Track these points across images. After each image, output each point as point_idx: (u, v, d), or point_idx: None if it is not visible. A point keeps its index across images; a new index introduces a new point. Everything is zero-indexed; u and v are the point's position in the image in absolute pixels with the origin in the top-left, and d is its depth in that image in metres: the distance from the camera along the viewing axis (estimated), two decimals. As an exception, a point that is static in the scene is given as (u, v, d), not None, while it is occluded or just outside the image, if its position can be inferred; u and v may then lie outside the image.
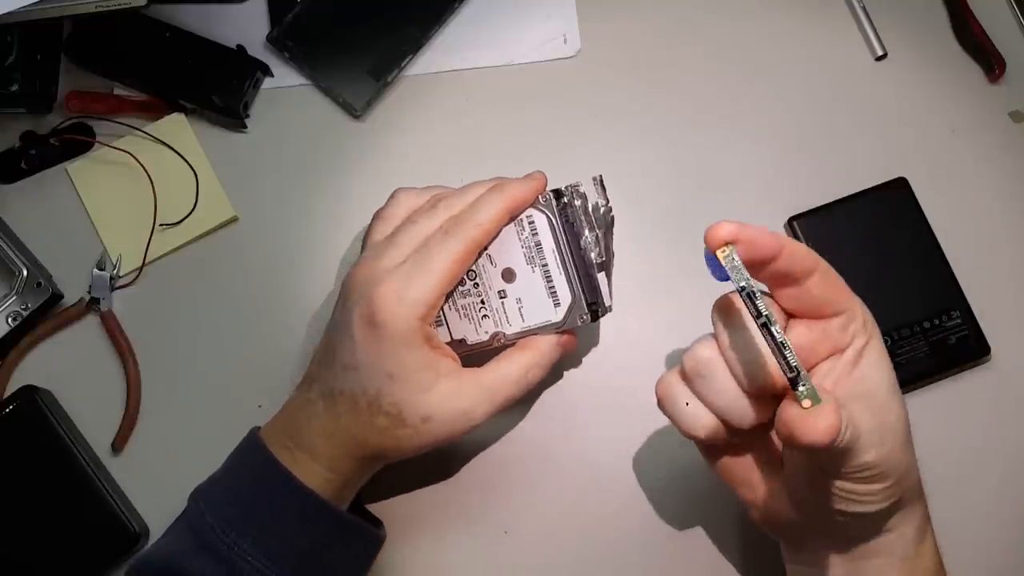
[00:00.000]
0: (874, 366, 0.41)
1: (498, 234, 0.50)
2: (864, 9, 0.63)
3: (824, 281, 0.41)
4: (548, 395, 0.58)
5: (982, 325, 0.57)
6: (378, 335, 0.46)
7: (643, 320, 0.59)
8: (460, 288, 0.51)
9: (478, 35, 0.63)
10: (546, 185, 0.50)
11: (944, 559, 0.57)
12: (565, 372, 0.58)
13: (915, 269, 0.58)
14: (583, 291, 0.50)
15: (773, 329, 0.37)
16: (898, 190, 0.59)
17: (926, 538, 0.46)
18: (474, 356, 0.51)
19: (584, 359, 0.59)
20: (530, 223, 0.50)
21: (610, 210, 0.50)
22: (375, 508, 0.55)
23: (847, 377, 0.41)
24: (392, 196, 0.53)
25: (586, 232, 0.50)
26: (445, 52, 0.63)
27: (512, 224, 0.50)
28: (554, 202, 0.50)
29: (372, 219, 0.53)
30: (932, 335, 0.57)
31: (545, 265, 0.50)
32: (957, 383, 0.58)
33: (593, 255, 0.50)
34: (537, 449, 0.58)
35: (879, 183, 0.59)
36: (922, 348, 0.57)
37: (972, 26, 0.62)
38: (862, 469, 0.40)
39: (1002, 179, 0.61)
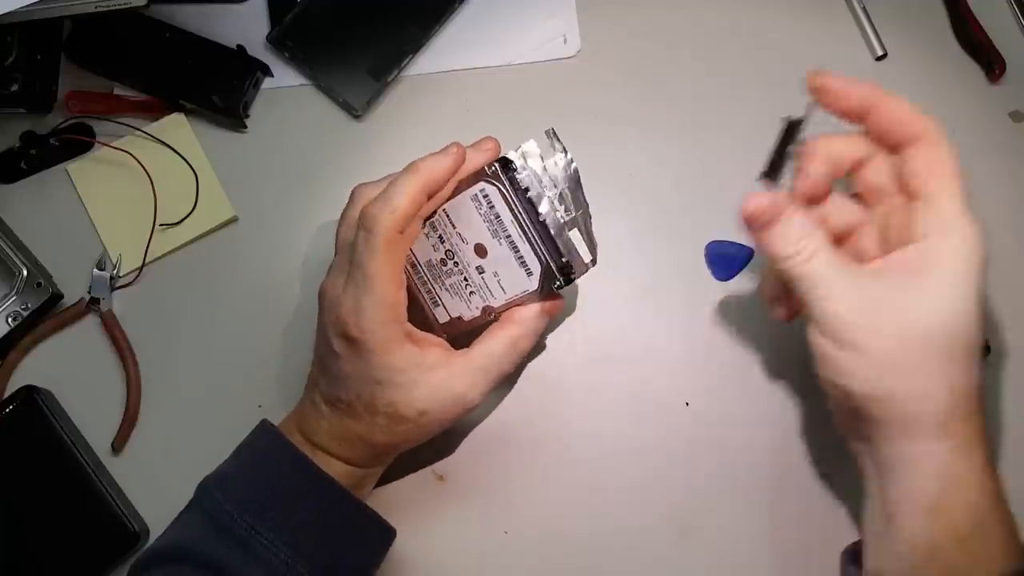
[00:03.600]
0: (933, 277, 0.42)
1: (462, 211, 0.49)
2: (864, 9, 0.63)
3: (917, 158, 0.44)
4: (548, 397, 0.58)
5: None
6: (356, 349, 0.47)
7: (643, 320, 0.59)
8: (443, 268, 0.51)
9: (478, 35, 0.63)
10: (464, 157, 0.48)
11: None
12: (566, 373, 0.58)
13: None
14: (549, 256, 0.49)
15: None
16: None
17: (955, 490, 0.42)
18: (476, 331, 0.51)
19: (585, 360, 0.59)
20: (484, 197, 0.48)
21: (571, 162, 0.48)
22: (376, 507, 0.55)
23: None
24: (351, 196, 0.52)
25: (547, 193, 0.48)
26: (445, 52, 0.63)
27: (471, 200, 0.49)
28: (500, 172, 0.48)
29: (339, 221, 0.52)
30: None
31: (509, 236, 0.49)
32: (957, 383, 0.58)
33: (559, 215, 0.48)
34: (537, 449, 0.58)
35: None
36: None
37: (972, 26, 0.62)
38: (820, 323, 0.43)
39: (1002, 179, 0.61)
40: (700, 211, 0.60)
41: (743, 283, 0.60)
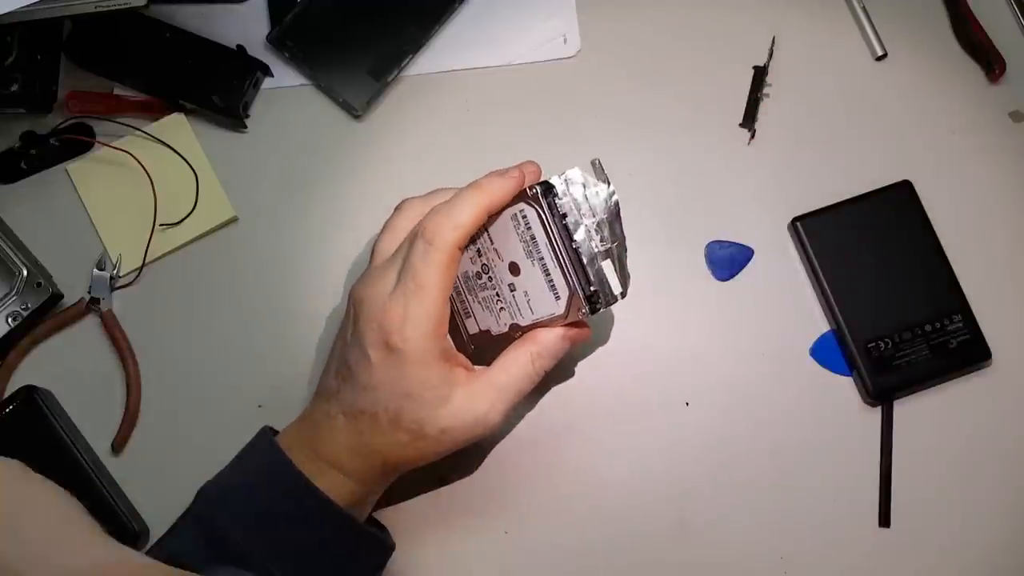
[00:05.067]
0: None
1: (501, 229, 0.49)
2: (864, 9, 0.63)
3: None
4: (548, 396, 0.58)
5: (983, 329, 0.57)
6: (394, 358, 0.47)
7: (643, 320, 0.59)
8: (478, 281, 0.51)
9: (478, 35, 0.63)
10: (524, 181, 0.49)
11: (944, 562, 0.57)
12: (565, 373, 0.58)
13: (918, 271, 0.58)
14: (579, 284, 0.48)
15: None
16: (902, 192, 0.59)
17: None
18: (501, 346, 0.51)
19: (585, 360, 0.59)
20: (523, 217, 0.49)
21: (612, 194, 0.49)
22: (376, 509, 0.55)
23: None
24: (398, 207, 0.53)
25: (584, 221, 0.48)
26: (445, 52, 0.63)
27: (510, 219, 0.49)
28: (541, 196, 0.48)
29: (381, 229, 0.53)
30: (934, 338, 0.57)
31: (542, 259, 0.49)
32: (958, 386, 0.58)
33: (593, 244, 0.48)
34: (537, 450, 0.58)
35: (883, 185, 0.59)
36: (923, 351, 0.57)
37: (972, 26, 0.62)
38: None
39: (1003, 179, 0.61)
40: (700, 211, 0.60)
41: (743, 283, 0.60)
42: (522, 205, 0.49)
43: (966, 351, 0.57)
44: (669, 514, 0.57)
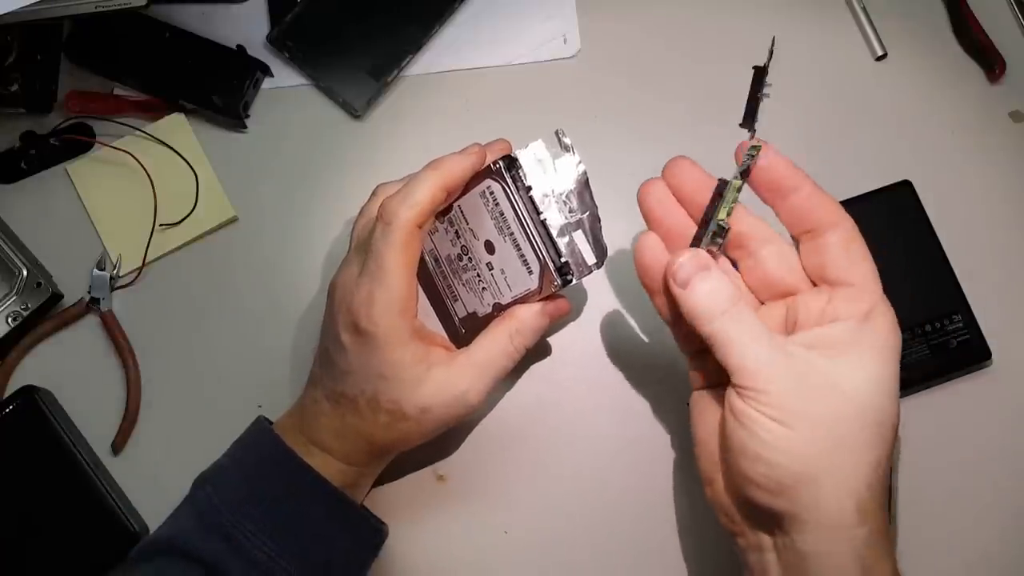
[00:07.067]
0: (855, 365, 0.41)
1: (473, 208, 0.49)
2: (864, 9, 0.63)
3: (839, 243, 0.43)
4: (546, 396, 0.58)
5: (984, 329, 0.57)
6: (365, 341, 0.47)
7: (642, 319, 0.59)
8: (460, 263, 0.51)
9: (478, 35, 0.63)
10: (485, 157, 0.49)
11: (945, 562, 0.57)
12: (566, 373, 0.58)
13: (918, 271, 0.58)
14: (550, 256, 0.48)
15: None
16: (902, 193, 0.59)
17: None
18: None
19: (585, 360, 0.59)
20: (491, 194, 0.48)
21: (579, 163, 0.48)
22: (375, 507, 0.55)
23: (814, 329, 0.42)
24: (373, 192, 0.53)
25: (551, 193, 0.48)
26: (445, 52, 0.63)
27: (479, 197, 0.49)
28: (504, 170, 0.47)
29: (357, 215, 0.53)
30: (934, 338, 0.57)
31: (512, 234, 0.49)
32: (958, 387, 0.58)
33: (562, 215, 0.48)
34: (538, 449, 0.58)
35: (883, 185, 0.59)
36: (923, 351, 0.57)
37: (972, 26, 0.62)
38: (752, 392, 0.40)
39: (1003, 180, 0.61)
40: (700, 211, 0.60)
41: (743, 283, 0.60)
42: (488, 182, 0.48)
43: (966, 351, 0.57)
44: (669, 513, 0.57)
